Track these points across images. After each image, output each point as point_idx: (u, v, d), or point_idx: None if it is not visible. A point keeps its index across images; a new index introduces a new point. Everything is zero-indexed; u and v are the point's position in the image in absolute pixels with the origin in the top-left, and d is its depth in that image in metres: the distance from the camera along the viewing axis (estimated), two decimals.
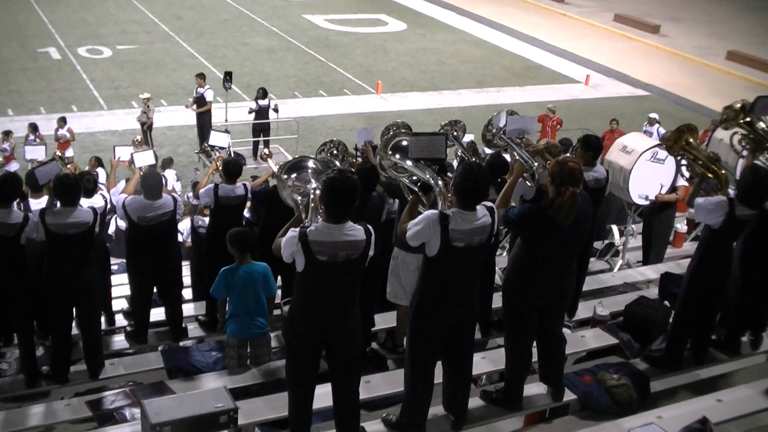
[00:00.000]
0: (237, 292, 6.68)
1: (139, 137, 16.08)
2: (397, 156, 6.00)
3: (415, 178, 5.83)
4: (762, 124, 7.51)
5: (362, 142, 8.75)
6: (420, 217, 5.15)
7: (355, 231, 5.00)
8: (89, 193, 7.69)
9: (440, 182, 5.54)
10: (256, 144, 18.85)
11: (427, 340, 5.36)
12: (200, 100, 18.70)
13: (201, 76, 19.01)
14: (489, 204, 5.29)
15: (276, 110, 19.04)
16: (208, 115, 18.80)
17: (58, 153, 10.57)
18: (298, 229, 5.00)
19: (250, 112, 18.89)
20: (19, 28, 28.32)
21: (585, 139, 7.67)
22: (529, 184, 6.63)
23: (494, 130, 7.35)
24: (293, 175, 5.87)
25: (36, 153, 9.88)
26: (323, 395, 5.53)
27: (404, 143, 6.02)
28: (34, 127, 17.13)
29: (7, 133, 16.76)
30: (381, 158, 6.18)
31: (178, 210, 7.48)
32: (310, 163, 5.97)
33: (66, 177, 6.60)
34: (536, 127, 16.85)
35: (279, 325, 7.62)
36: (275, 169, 9.21)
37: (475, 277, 5.42)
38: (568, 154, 7.52)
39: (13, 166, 15.52)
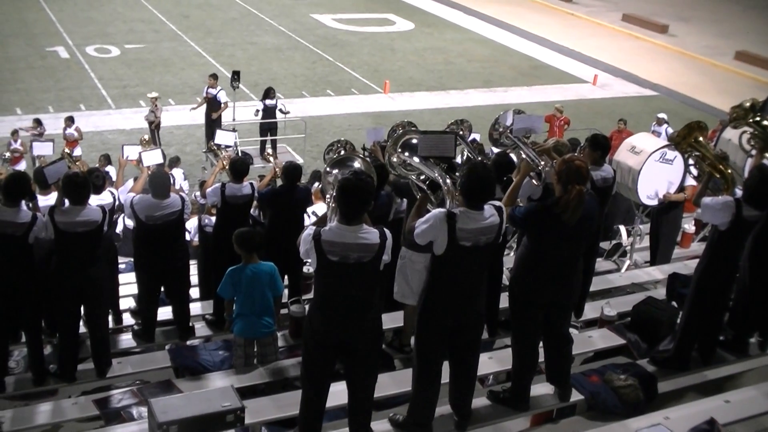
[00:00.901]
0: (244, 292, 6.70)
1: (146, 136, 16.13)
2: (407, 154, 5.99)
3: (423, 176, 5.83)
4: None
5: (371, 142, 8.76)
6: (428, 215, 5.16)
7: (369, 234, 5.00)
8: (98, 190, 7.70)
9: (448, 181, 5.54)
10: (263, 143, 18.87)
11: (434, 338, 5.37)
12: (212, 101, 18.75)
13: (214, 77, 19.06)
14: (497, 204, 5.29)
15: (284, 112, 19.00)
16: (219, 115, 18.84)
17: (67, 150, 10.54)
18: (314, 227, 5.04)
19: (256, 114, 18.88)
20: (27, 27, 28.39)
21: (593, 139, 7.66)
22: (535, 183, 6.62)
23: (501, 129, 7.33)
24: (335, 171, 5.88)
25: (44, 149, 9.86)
26: (333, 393, 5.53)
27: (414, 141, 6.02)
28: (38, 122, 17.20)
29: (15, 132, 16.78)
30: (390, 155, 6.17)
31: (185, 209, 7.50)
32: (356, 163, 5.96)
33: (75, 175, 6.62)
34: (543, 126, 16.83)
35: (285, 324, 7.65)
36: (277, 168, 9.24)
37: (482, 276, 5.41)
38: (576, 154, 7.52)
39: (21, 166, 15.55)
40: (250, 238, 6.80)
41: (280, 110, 18.93)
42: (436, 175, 5.62)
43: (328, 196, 5.75)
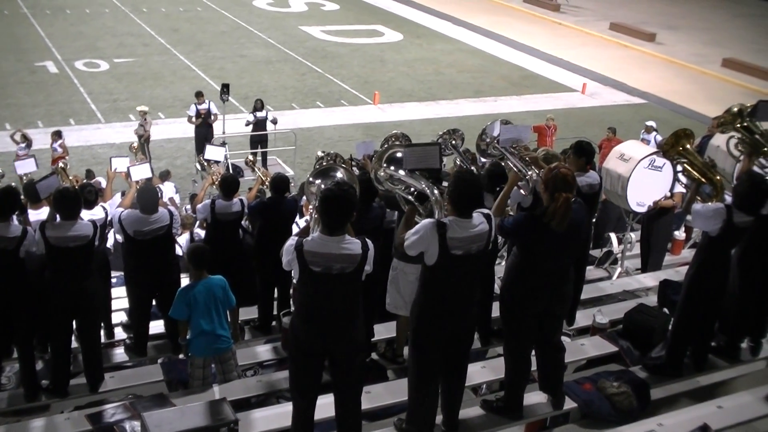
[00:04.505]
0: (200, 309, 6.58)
1: (135, 144, 16.05)
2: (392, 168, 6.01)
3: (410, 189, 5.85)
4: (758, 128, 7.54)
5: (362, 156, 8.78)
6: (418, 226, 5.17)
7: (352, 245, 5.02)
8: (90, 205, 7.69)
9: (436, 191, 5.56)
10: (254, 155, 18.89)
11: (430, 347, 5.37)
12: (207, 114, 18.85)
13: (200, 94, 19.07)
14: (486, 211, 5.32)
15: (274, 122, 19.12)
16: (211, 128, 18.91)
17: (61, 165, 10.52)
18: (296, 238, 5.03)
19: (247, 125, 18.99)
20: (16, 42, 28.34)
21: (577, 145, 7.66)
22: (523, 192, 6.64)
23: (488, 139, 7.37)
24: (318, 182, 5.89)
25: (27, 167, 9.78)
26: (325, 406, 5.53)
27: (399, 155, 6.04)
28: (24, 136, 17.05)
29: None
30: (376, 170, 6.19)
31: (174, 223, 7.48)
32: (339, 173, 5.97)
33: (66, 190, 6.61)
34: (530, 136, 16.88)
35: (271, 338, 7.62)
36: (263, 177, 9.26)
37: (475, 284, 5.43)
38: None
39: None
40: (202, 254, 6.71)
41: (271, 121, 19.00)
42: (423, 186, 5.64)
43: (310, 206, 5.76)
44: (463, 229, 5.10)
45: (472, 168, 7.44)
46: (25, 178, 9.61)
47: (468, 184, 5.15)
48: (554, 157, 7.69)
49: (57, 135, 17.44)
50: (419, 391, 5.49)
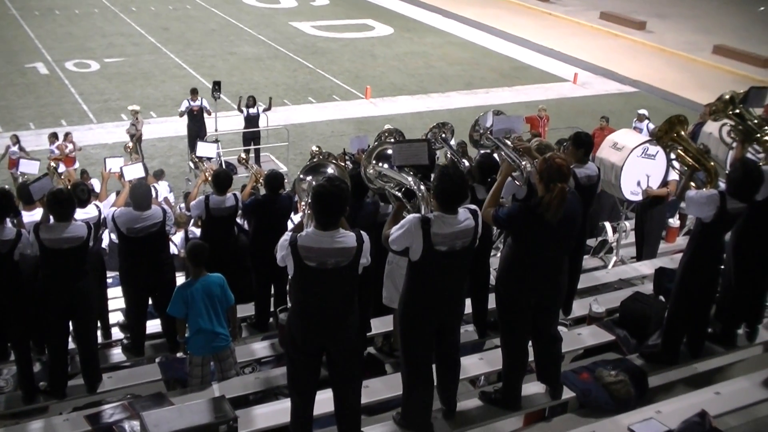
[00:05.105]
0: (198, 307, 6.58)
1: (130, 144, 16.03)
2: (380, 164, 6.00)
3: (398, 185, 5.85)
4: (751, 115, 7.55)
5: (356, 151, 8.77)
6: (402, 221, 5.17)
7: (346, 238, 5.00)
8: (83, 204, 7.67)
9: (422, 187, 5.55)
10: (246, 153, 18.88)
11: (419, 341, 5.39)
12: (201, 111, 18.93)
13: (194, 91, 19.11)
14: (472, 207, 5.30)
15: (268, 109, 19.12)
16: (203, 125, 18.88)
17: (53, 165, 10.51)
18: (291, 234, 5.03)
19: (239, 110, 19.04)
20: (6, 44, 28.24)
21: (575, 137, 7.66)
22: (517, 183, 6.64)
23: (481, 131, 7.35)
24: (308, 178, 5.89)
25: (29, 167, 9.83)
26: (324, 401, 5.53)
27: (389, 152, 6.02)
28: (16, 138, 17.10)
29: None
30: (365, 168, 6.17)
31: (168, 221, 7.47)
32: (329, 170, 5.96)
33: (59, 192, 6.58)
34: (523, 127, 16.88)
35: (268, 335, 7.61)
36: (257, 175, 9.24)
37: (461, 280, 5.42)
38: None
39: None
40: (201, 251, 6.71)
41: (265, 110, 18.99)
42: (411, 182, 5.63)
43: (303, 203, 5.76)
44: (448, 225, 5.09)
45: (464, 161, 7.44)
46: (21, 178, 9.62)
47: (451, 179, 5.12)
48: (547, 147, 7.69)
49: (54, 137, 17.40)
50: (412, 383, 5.50)
